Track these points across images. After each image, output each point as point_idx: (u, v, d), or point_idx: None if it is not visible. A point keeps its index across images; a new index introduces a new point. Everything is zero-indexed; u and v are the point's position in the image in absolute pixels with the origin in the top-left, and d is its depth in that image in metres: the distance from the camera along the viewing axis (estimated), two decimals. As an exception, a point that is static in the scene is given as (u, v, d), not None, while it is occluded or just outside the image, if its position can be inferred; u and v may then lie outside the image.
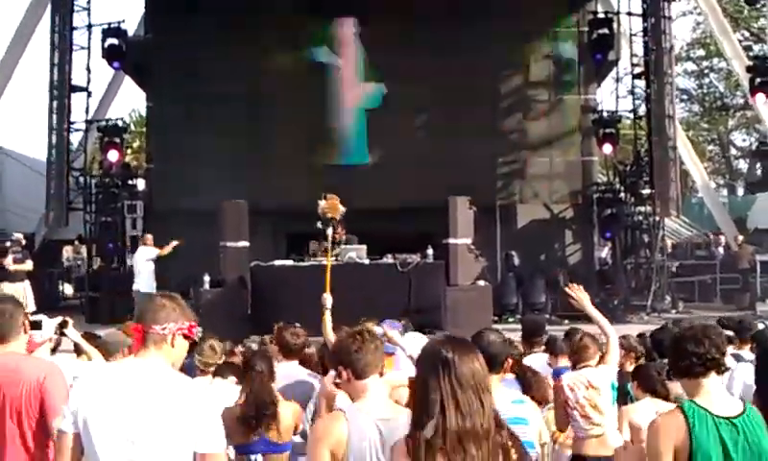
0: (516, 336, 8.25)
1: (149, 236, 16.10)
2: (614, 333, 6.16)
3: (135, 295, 14.89)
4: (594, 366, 6.21)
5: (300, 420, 5.40)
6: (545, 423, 6.20)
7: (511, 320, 16.63)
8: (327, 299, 7.90)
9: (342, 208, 12.06)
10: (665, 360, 7.50)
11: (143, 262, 15.91)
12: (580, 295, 5.99)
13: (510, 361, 4.68)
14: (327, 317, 7.70)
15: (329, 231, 11.90)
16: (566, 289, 6.14)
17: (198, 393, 3.32)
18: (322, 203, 11.98)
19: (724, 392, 3.59)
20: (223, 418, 5.36)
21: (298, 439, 5.49)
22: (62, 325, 5.59)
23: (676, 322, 9.85)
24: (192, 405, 3.23)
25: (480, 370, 2.87)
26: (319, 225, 12.74)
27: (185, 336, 3.40)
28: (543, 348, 7.62)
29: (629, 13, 20.15)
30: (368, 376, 3.70)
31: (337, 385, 3.95)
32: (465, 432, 2.76)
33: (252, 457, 5.29)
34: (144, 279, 15.62)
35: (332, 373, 5.59)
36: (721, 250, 21.34)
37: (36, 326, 5.06)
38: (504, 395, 4.30)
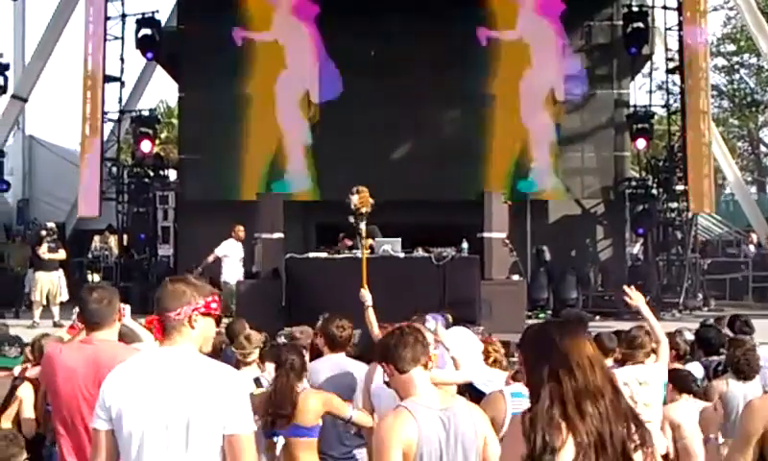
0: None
1: (240, 228, 15.37)
2: (664, 336, 6.23)
3: (224, 286, 14.65)
4: (644, 363, 6.21)
5: (332, 407, 5.39)
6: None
7: (542, 315, 16.57)
8: (366, 295, 7.92)
9: (371, 201, 12.01)
10: (712, 358, 7.52)
11: (233, 253, 15.49)
12: (635, 295, 6.13)
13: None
14: (370, 313, 7.71)
15: (363, 225, 11.86)
16: (625, 288, 6.19)
17: (224, 375, 3.32)
18: (354, 198, 11.92)
19: None
20: (252, 402, 5.45)
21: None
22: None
23: (718, 319, 9.75)
24: (219, 387, 3.23)
25: (588, 345, 2.86)
26: (351, 220, 12.69)
27: (205, 314, 3.39)
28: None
29: (664, 7, 19.95)
30: (409, 369, 3.72)
31: (387, 384, 3.93)
32: (578, 392, 2.73)
33: (275, 439, 5.35)
34: (232, 270, 15.20)
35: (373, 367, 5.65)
36: (752, 248, 21.13)
37: None
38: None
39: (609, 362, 6.73)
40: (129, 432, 3.22)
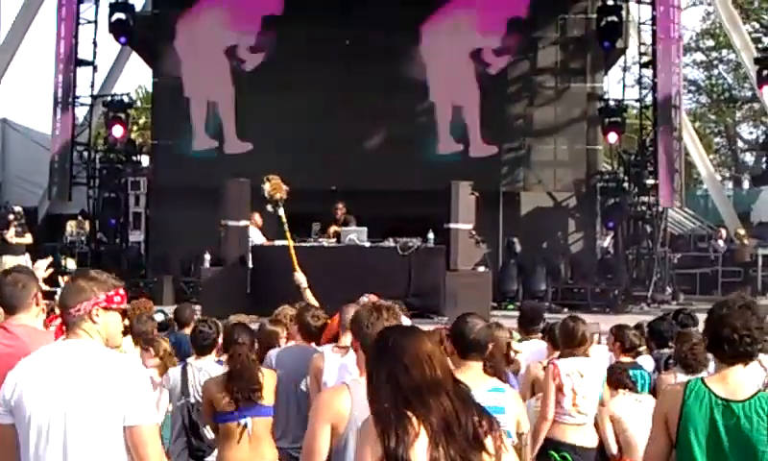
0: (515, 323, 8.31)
1: (257, 215, 14.70)
2: None
3: None
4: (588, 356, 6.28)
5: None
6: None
7: (510, 307, 16.62)
8: (300, 278, 8.02)
9: (285, 187, 12.01)
10: (663, 351, 7.59)
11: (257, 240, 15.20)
12: None
13: (491, 347, 4.62)
14: (308, 294, 7.81)
15: (281, 212, 11.89)
16: None
17: (124, 367, 3.33)
18: (266, 186, 11.91)
19: (743, 378, 3.53)
20: (208, 388, 5.44)
21: None
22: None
23: (676, 313, 9.82)
24: (118, 378, 3.24)
25: (425, 343, 2.91)
26: (269, 208, 12.68)
27: (106, 308, 3.40)
28: (540, 335, 7.64)
29: (638, 1, 20.00)
30: None
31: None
32: (418, 387, 2.79)
33: (243, 421, 5.35)
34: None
35: (323, 347, 5.67)
36: (721, 243, 21.29)
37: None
38: (480, 383, 4.24)
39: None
40: (28, 425, 3.22)
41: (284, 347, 6.36)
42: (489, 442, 2.81)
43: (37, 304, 4.36)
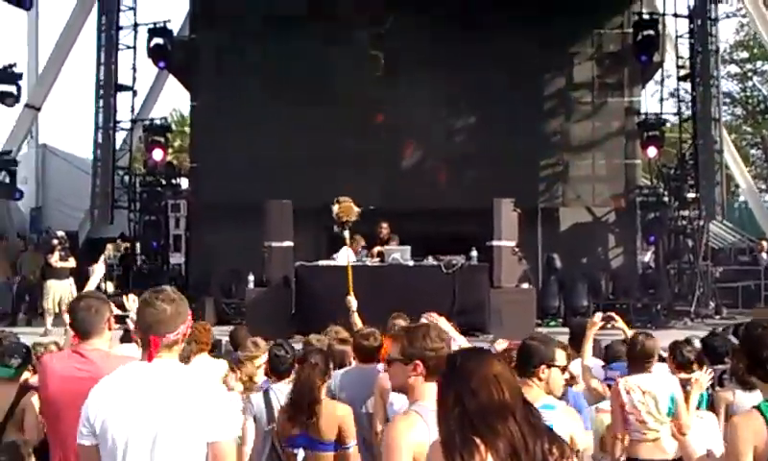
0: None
1: (360, 238, 14.38)
2: None
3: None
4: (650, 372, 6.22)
5: (344, 427, 5.27)
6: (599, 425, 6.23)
7: (553, 323, 16.57)
8: (352, 301, 8.01)
9: (356, 210, 12.05)
10: (718, 366, 7.50)
11: None
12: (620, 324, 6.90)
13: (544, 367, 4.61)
14: (355, 317, 7.81)
15: (346, 234, 11.95)
16: (611, 314, 6.56)
17: (206, 384, 3.40)
18: (335, 207, 11.99)
19: None
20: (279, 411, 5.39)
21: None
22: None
23: (726, 328, 9.72)
24: (201, 396, 3.30)
25: (494, 364, 2.84)
26: (335, 229, 12.76)
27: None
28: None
29: (674, 15, 19.92)
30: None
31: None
32: (484, 411, 2.72)
33: (295, 451, 5.30)
34: None
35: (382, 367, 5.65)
36: (765, 256, 21.03)
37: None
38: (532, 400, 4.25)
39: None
40: (113, 445, 3.25)
41: (345, 370, 6.32)
42: None
43: (110, 329, 4.41)
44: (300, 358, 5.67)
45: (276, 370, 6.01)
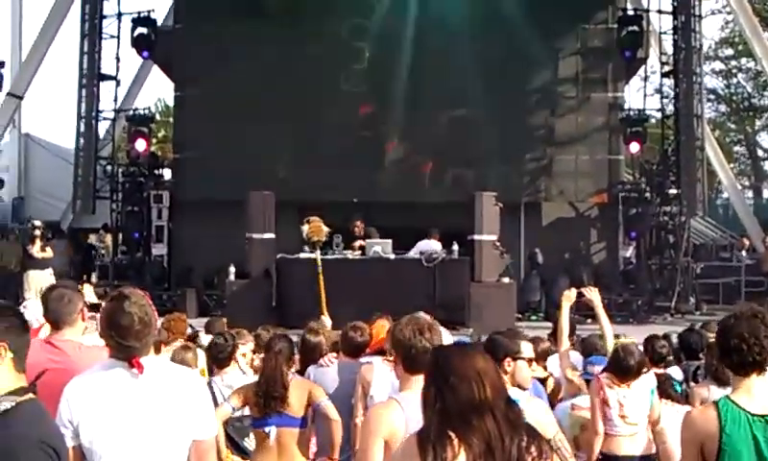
0: (538, 334, 8.31)
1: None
2: (612, 338, 6.57)
3: None
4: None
5: (317, 396, 5.39)
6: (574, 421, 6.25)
7: (534, 318, 16.63)
8: (326, 321, 8.15)
9: (326, 229, 12.12)
10: (693, 362, 7.55)
11: None
12: (593, 295, 6.65)
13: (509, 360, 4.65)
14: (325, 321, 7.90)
15: (317, 255, 12.03)
16: (583, 290, 6.43)
17: (189, 381, 3.39)
18: (305, 227, 12.06)
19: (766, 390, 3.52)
20: (243, 393, 5.46)
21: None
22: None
23: (704, 324, 9.77)
24: (185, 394, 3.30)
25: (477, 360, 2.83)
26: (306, 249, 12.84)
27: None
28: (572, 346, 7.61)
29: (659, 11, 20.02)
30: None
31: None
32: (462, 407, 2.72)
33: (267, 429, 5.34)
34: None
35: (372, 358, 5.66)
36: (744, 253, 21.18)
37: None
38: None
39: None
40: (93, 443, 3.24)
41: (329, 365, 6.29)
42: None
43: (83, 320, 4.37)
44: (266, 346, 5.70)
45: (215, 358, 6.05)
